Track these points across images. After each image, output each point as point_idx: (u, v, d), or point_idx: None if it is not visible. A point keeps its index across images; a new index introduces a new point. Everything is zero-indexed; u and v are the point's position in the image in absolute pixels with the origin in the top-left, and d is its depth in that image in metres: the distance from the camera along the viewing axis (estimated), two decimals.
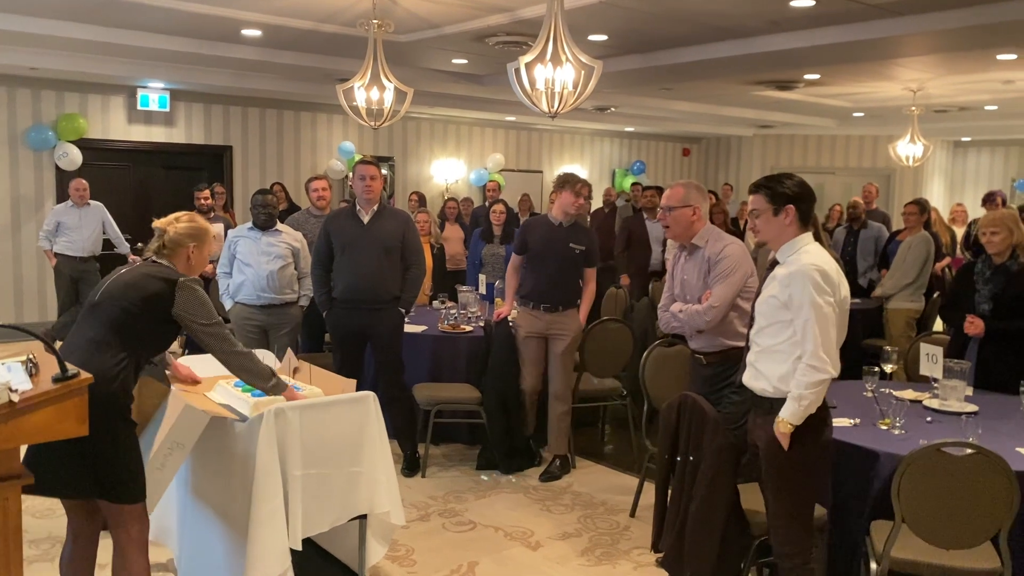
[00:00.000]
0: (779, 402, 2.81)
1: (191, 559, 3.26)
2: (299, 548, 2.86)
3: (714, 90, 9.82)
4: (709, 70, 7.91)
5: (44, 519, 4.13)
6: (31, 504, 4.18)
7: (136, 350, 2.75)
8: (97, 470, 2.55)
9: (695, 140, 15.50)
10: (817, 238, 5.44)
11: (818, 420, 2.80)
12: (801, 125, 13.00)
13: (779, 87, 9.26)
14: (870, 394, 3.77)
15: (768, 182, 2.91)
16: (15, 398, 2.04)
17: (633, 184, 11.05)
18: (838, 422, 3.39)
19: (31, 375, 2.20)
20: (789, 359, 2.79)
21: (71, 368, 2.13)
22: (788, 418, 2.74)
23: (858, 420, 3.43)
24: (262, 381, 2.93)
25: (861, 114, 11.79)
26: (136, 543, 2.72)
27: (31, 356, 2.29)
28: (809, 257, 2.80)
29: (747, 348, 3.01)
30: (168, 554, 3.59)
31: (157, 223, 2.97)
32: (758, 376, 2.89)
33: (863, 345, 6.66)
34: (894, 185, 14.16)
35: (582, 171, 13.83)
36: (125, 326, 2.71)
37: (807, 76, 8.63)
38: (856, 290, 7.49)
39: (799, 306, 2.73)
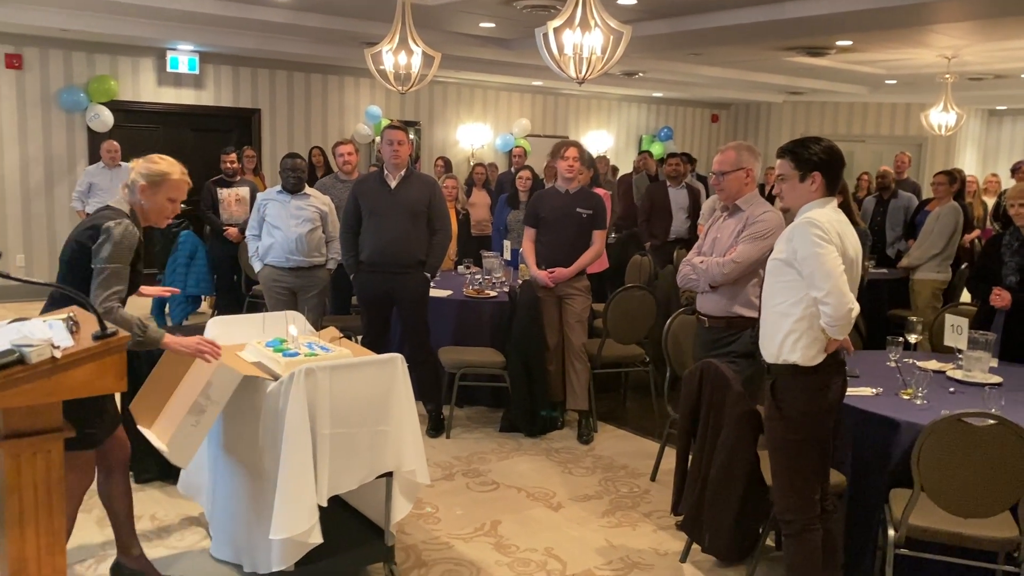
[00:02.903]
0: (775, 367, 2.84)
1: (221, 514, 3.36)
2: (325, 505, 2.94)
3: (744, 56, 9.70)
4: (739, 35, 7.81)
5: None
6: None
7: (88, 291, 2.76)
8: None
9: (724, 106, 15.33)
10: (847, 207, 5.41)
11: (811, 390, 2.81)
12: (832, 92, 12.81)
13: (810, 53, 9.12)
14: (893, 364, 3.78)
15: (795, 147, 2.84)
16: (57, 354, 2.11)
17: (641, 152, 10.94)
18: (860, 391, 3.41)
19: (72, 333, 2.27)
20: (788, 319, 2.79)
21: (110, 327, 2.20)
22: (831, 335, 2.75)
23: (880, 389, 3.44)
24: (127, 329, 2.70)
25: (893, 81, 11.59)
26: (71, 490, 2.74)
27: (71, 315, 2.36)
28: (809, 213, 2.78)
29: (759, 310, 3.02)
30: (200, 508, 3.71)
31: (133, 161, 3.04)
32: (764, 340, 2.91)
33: (888, 315, 6.63)
34: (925, 154, 13.95)
35: (608, 137, 13.76)
36: (74, 263, 2.83)
37: (839, 42, 8.49)
38: (883, 260, 7.45)
39: (803, 258, 2.71)
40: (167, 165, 3.06)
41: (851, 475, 3.23)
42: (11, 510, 2.17)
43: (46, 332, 2.22)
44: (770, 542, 3.51)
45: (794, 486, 2.86)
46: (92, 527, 3.69)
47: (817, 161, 2.80)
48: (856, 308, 2.70)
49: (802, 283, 2.76)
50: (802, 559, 2.87)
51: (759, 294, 3.38)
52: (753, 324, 3.40)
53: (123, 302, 2.85)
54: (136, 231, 2.92)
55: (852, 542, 3.25)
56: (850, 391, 3.38)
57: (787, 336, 2.79)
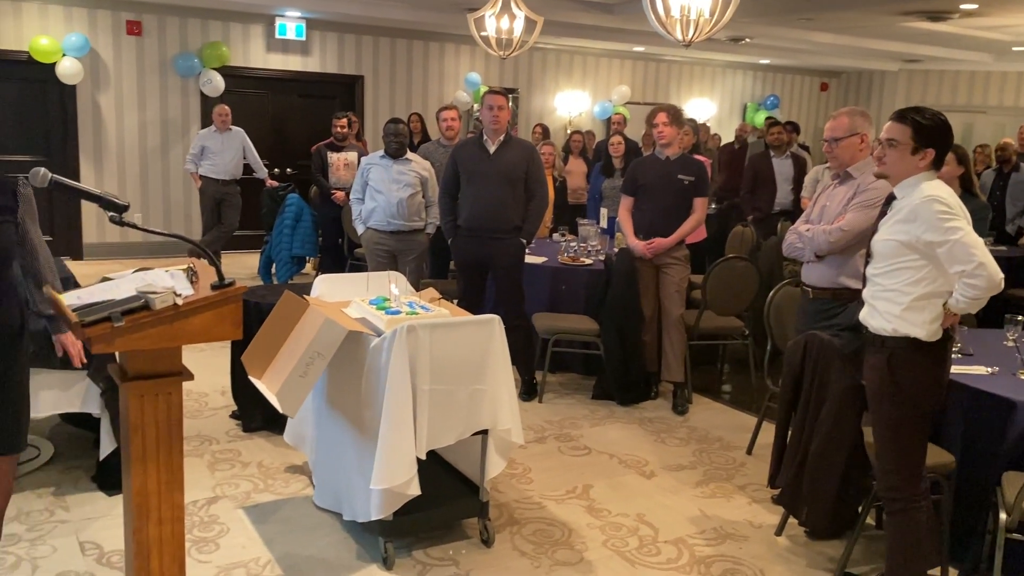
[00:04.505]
0: (891, 339, 2.74)
1: (324, 463, 3.49)
2: (423, 458, 3.02)
3: (859, 21, 9.27)
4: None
5: (193, 419, 4.50)
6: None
7: None
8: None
9: (834, 74, 14.72)
10: (967, 179, 5.17)
11: (931, 362, 2.72)
12: (952, 60, 12.13)
13: (931, 18, 8.65)
14: (1011, 343, 3.60)
15: (919, 116, 2.73)
16: (179, 302, 2.22)
17: (767, 118, 10.63)
18: (974, 370, 3.27)
19: (192, 282, 2.38)
20: (907, 298, 2.70)
21: (227, 277, 2.30)
22: (953, 308, 2.66)
23: (996, 369, 3.29)
24: None
25: (1021, 48, 10.88)
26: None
27: (191, 265, 2.48)
28: (927, 190, 2.67)
29: (864, 285, 2.92)
30: (304, 458, 3.87)
31: None
32: (874, 314, 2.82)
33: (1007, 294, 6.29)
34: None
35: (711, 105, 13.43)
36: None
37: (963, 6, 8.02)
38: (1002, 237, 7.06)
39: (937, 238, 2.60)
40: None
41: (961, 456, 3.11)
42: (135, 447, 2.31)
43: (168, 281, 2.33)
44: (870, 520, 3.42)
45: (902, 463, 2.77)
46: (203, 470, 3.90)
47: (936, 137, 2.71)
48: (1001, 276, 2.60)
49: (924, 263, 2.67)
50: (906, 537, 2.79)
51: None
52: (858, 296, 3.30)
53: None
54: None
55: (959, 525, 3.13)
56: (964, 370, 3.26)
57: (905, 311, 2.70)
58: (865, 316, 2.87)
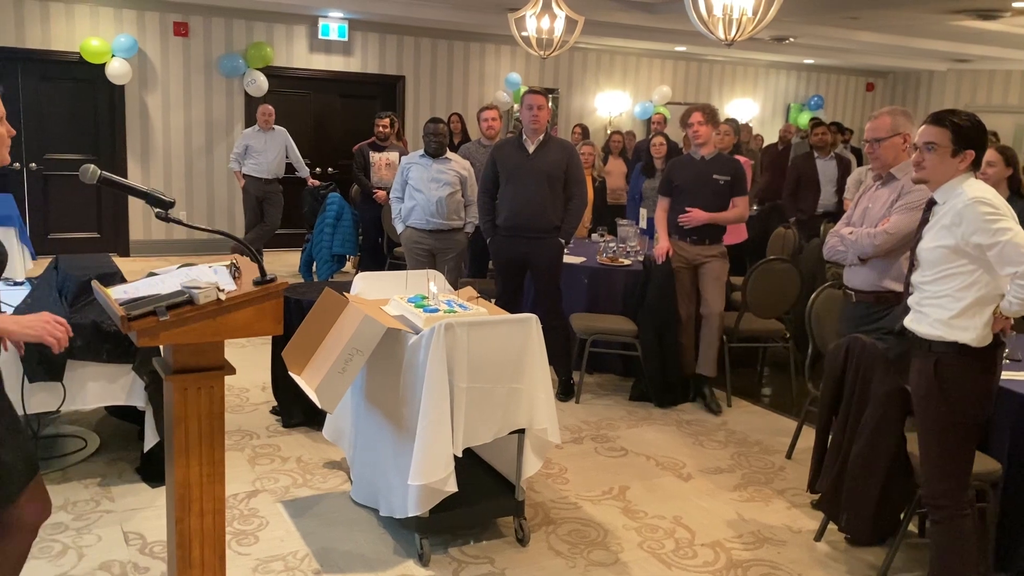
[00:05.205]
0: (939, 344, 2.68)
1: (363, 459, 3.52)
2: (460, 455, 3.04)
3: (906, 20, 9.10)
4: None
5: (234, 414, 4.57)
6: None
7: None
8: None
9: (880, 74, 14.47)
10: (1017, 181, 5.08)
11: (980, 369, 2.66)
12: (1003, 59, 11.84)
13: (981, 16, 8.45)
14: None
15: (956, 118, 2.70)
16: (222, 297, 2.26)
17: (811, 119, 10.49)
18: (1022, 376, 3.19)
19: (234, 278, 2.42)
20: (958, 304, 2.65)
21: (269, 273, 2.33)
22: (1006, 311, 2.60)
23: None
24: None
25: None
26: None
27: (234, 262, 2.52)
28: (970, 192, 2.62)
29: (907, 291, 2.86)
30: (342, 453, 3.91)
31: None
32: (922, 320, 2.76)
33: None
34: None
35: (754, 105, 13.28)
36: None
37: (1016, 4, 7.82)
38: None
39: (984, 241, 2.55)
40: None
41: (1008, 463, 3.04)
42: (178, 439, 2.36)
43: (212, 276, 2.37)
44: (912, 527, 3.36)
45: (948, 470, 2.72)
46: (244, 464, 3.96)
47: (974, 139, 2.68)
48: None
49: (974, 268, 2.63)
50: (951, 546, 2.74)
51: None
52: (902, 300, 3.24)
53: None
54: None
55: (1005, 533, 3.06)
56: (1012, 376, 3.19)
57: (956, 318, 2.65)
58: (911, 322, 2.82)
